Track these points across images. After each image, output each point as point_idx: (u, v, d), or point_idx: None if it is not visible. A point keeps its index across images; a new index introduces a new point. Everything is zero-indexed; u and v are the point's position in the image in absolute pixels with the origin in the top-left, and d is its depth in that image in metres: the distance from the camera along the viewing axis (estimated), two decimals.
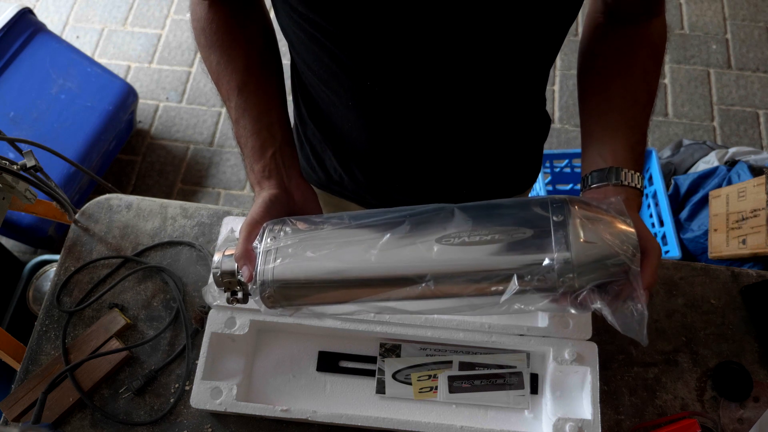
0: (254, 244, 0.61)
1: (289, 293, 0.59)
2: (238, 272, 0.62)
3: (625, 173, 0.65)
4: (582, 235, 0.54)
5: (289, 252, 0.59)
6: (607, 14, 0.71)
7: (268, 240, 0.60)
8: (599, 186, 0.65)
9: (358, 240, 0.58)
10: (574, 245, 0.53)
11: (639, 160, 0.67)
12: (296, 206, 0.67)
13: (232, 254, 0.62)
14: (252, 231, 0.62)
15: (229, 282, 0.63)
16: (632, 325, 0.55)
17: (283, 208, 0.66)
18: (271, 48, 0.73)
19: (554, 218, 0.55)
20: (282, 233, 0.60)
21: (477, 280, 0.55)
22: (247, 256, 0.60)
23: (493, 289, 0.55)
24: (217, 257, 0.63)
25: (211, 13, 0.70)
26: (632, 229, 0.55)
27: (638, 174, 0.65)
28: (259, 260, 0.59)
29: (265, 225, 0.62)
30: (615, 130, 0.67)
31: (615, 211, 0.57)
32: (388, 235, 0.58)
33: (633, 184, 0.64)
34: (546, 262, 0.54)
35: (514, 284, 0.54)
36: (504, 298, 0.54)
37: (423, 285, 0.56)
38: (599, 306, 0.54)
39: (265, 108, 0.69)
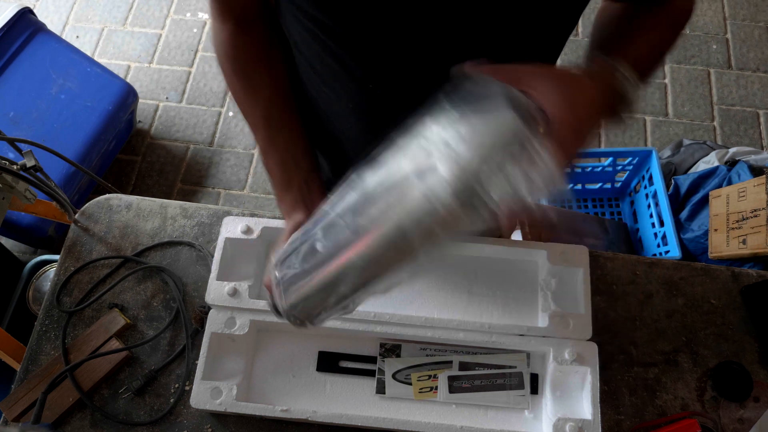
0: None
1: (308, 310, 0.60)
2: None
3: (623, 66, 0.55)
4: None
5: (292, 277, 0.60)
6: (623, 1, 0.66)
7: (276, 273, 0.62)
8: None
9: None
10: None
11: (642, 76, 0.57)
12: None
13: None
14: None
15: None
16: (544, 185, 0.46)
17: None
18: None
19: None
20: (286, 260, 0.62)
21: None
22: (269, 285, 0.63)
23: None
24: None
25: (235, 37, 0.70)
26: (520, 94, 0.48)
27: (636, 80, 0.56)
28: (274, 292, 0.62)
29: (272, 256, 0.64)
30: (627, 45, 0.60)
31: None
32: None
33: (624, 75, 0.55)
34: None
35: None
36: None
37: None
38: (522, 192, 0.46)
39: (290, 139, 0.72)
